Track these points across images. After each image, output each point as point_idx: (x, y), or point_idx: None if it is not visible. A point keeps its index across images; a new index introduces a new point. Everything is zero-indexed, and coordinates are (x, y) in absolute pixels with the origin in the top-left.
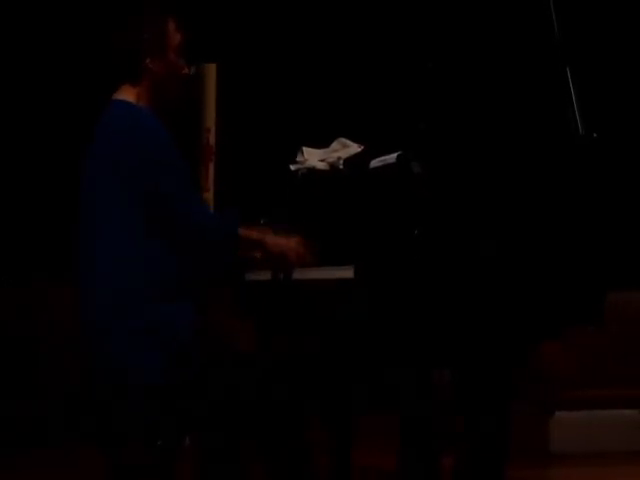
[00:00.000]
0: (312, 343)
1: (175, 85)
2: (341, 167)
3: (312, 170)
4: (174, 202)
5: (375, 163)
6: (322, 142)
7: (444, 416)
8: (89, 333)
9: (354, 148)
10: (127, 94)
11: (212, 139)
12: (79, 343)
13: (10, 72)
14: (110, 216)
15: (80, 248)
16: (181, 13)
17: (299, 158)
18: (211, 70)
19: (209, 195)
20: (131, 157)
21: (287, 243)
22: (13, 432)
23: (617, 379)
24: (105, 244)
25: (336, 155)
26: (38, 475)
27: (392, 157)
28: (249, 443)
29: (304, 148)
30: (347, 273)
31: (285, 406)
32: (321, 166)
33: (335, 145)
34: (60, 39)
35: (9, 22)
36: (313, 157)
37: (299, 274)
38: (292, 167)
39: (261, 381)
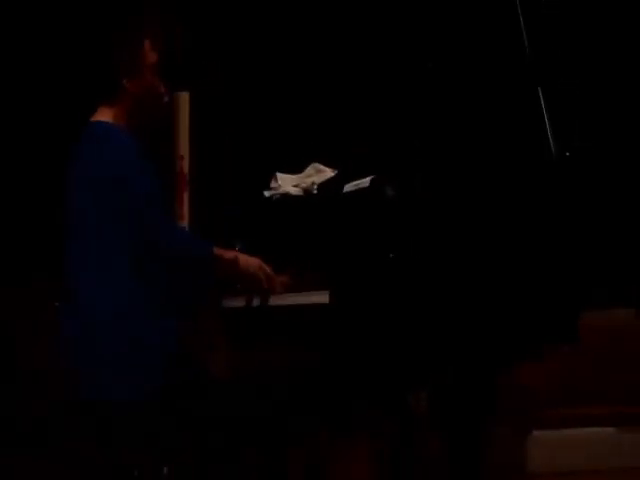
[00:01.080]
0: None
1: (152, 104)
2: (315, 192)
3: (286, 195)
4: (151, 228)
5: (349, 187)
6: (296, 168)
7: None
8: (73, 349)
9: (328, 173)
10: (105, 115)
11: (185, 167)
12: None
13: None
14: (94, 233)
15: (64, 264)
16: (157, 37)
17: (273, 184)
18: (184, 99)
19: (184, 223)
20: (107, 173)
21: (260, 265)
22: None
23: (595, 397)
24: (89, 261)
25: (310, 180)
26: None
27: (365, 181)
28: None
29: (278, 174)
30: (322, 298)
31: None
32: (295, 191)
33: (309, 170)
34: (42, 54)
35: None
36: (287, 183)
37: (274, 300)
38: (266, 193)
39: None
